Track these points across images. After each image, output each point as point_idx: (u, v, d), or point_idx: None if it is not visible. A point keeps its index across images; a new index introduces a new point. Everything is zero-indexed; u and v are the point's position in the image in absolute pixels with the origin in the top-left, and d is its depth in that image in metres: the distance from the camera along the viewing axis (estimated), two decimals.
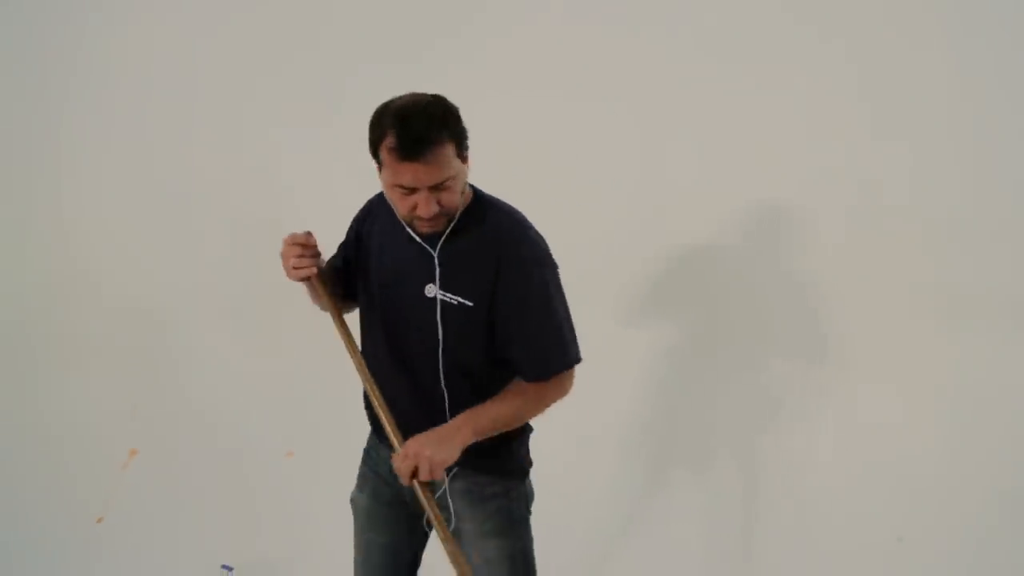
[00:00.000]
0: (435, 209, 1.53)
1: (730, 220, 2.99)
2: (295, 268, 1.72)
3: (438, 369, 1.67)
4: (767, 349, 3.05)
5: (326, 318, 1.78)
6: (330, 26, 3.13)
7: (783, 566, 2.77)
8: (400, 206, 1.57)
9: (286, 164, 3.17)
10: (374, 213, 1.79)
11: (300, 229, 1.77)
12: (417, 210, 1.54)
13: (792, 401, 3.01)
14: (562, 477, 2.85)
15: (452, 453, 1.55)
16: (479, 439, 1.59)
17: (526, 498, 1.84)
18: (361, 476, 1.93)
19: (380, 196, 1.78)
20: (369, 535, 1.89)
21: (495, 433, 1.62)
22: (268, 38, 3.17)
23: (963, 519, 2.72)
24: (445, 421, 1.64)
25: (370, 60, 3.01)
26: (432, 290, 1.64)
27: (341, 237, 1.89)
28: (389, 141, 1.48)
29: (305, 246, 1.73)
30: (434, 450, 1.53)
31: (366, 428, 1.91)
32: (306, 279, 1.74)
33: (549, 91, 2.97)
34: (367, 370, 1.70)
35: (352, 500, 1.94)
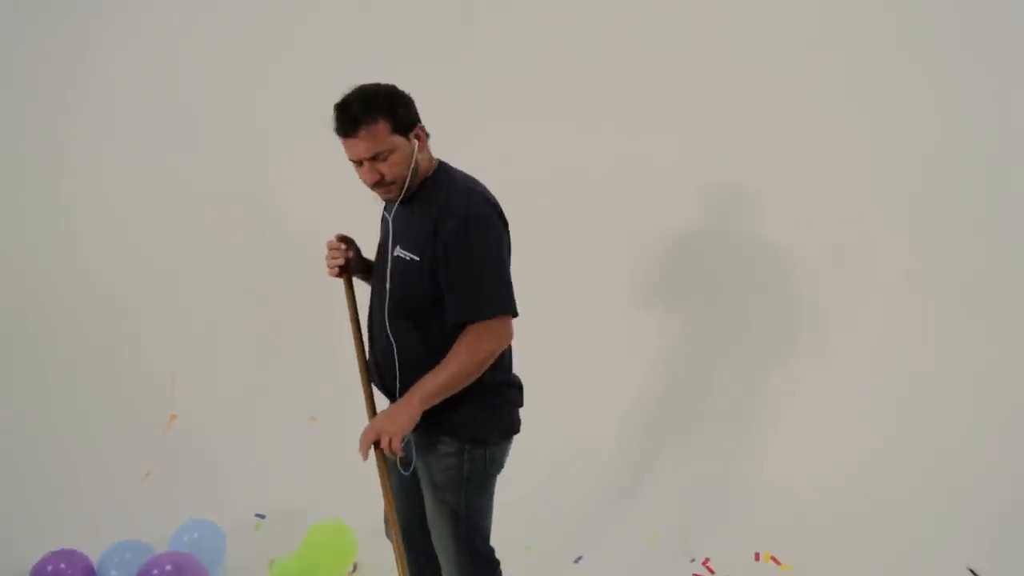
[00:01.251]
0: (376, 177, 1.85)
1: (727, 215, 3.32)
2: (328, 265, 2.11)
3: (384, 317, 1.96)
4: (753, 329, 3.39)
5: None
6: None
7: (766, 526, 3.09)
8: (361, 179, 1.90)
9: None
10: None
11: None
12: (367, 179, 1.87)
13: (776, 376, 3.34)
14: (563, 452, 3.25)
15: (404, 424, 1.81)
16: (428, 406, 1.84)
17: (483, 461, 1.99)
18: None
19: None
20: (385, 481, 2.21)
21: (443, 397, 1.85)
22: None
23: (937, 502, 3.00)
24: (394, 362, 1.94)
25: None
26: (398, 249, 1.94)
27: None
28: (334, 124, 1.83)
29: (334, 248, 2.10)
30: (388, 424, 1.81)
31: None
32: (336, 275, 2.11)
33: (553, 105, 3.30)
34: (361, 351, 2.08)
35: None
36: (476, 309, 1.84)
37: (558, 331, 3.22)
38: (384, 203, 2.01)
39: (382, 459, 1.90)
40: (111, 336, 3.50)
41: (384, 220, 2.06)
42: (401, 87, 1.92)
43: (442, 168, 1.98)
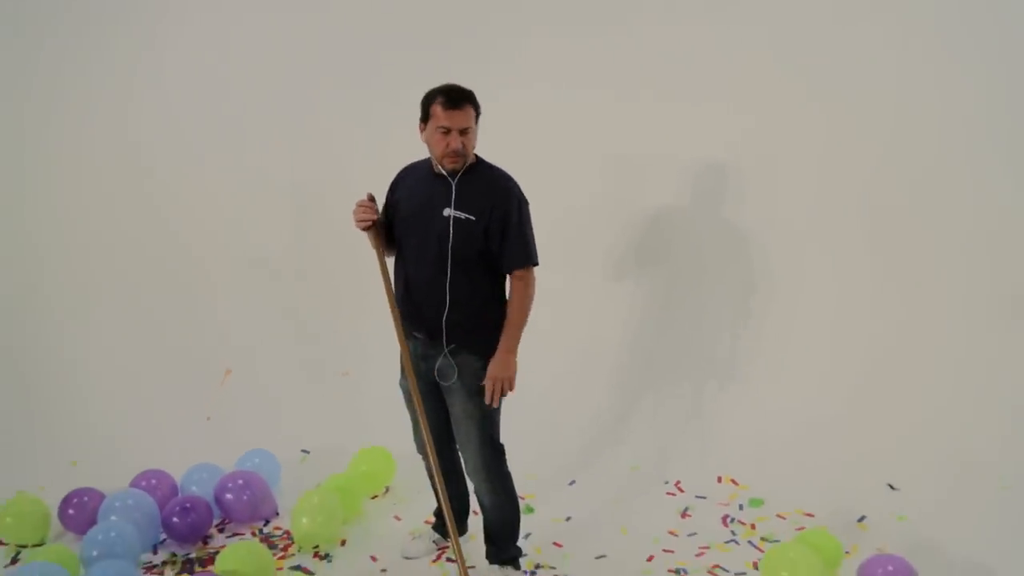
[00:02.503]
0: (458, 147, 2.48)
1: (711, 192, 3.90)
2: (360, 220, 2.66)
3: (447, 263, 2.56)
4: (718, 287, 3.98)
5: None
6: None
7: (728, 457, 3.68)
8: (438, 146, 2.51)
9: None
10: (401, 177, 2.76)
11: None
12: (449, 145, 2.48)
13: (747, 331, 3.91)
14: (561, 395, 3.87)
15: (513, 369, 2.60)
16: (515, 351, 2.60)
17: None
18: (403, 368, 2.86)
19: (404, 169, 2.75)
20: (411, 400, 2.82)
21: (520, 324, 2.60)
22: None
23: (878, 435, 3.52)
24: (446, 301, 2.56)
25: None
26: (448, 211, 2.55)
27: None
28: (440, 99, 2.48)
29: (366, 205, 2.67)
30: (502, 372, 2.57)
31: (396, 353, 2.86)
32: (367, 227, 2.67)
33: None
34: (389, 286, 2.68)
35: (401, 386, 2.90)
36: (527, 259, 2.59)
37: (561, 290, 3.77)
38: (414, 174, 2.67)
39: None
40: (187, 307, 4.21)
41: (418, 187, 2.65)
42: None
43: (479, 158, 2.62)
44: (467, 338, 2.58)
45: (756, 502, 3.43)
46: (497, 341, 2.61)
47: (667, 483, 3.60)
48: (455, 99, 2.47)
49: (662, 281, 4.00)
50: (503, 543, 2.85)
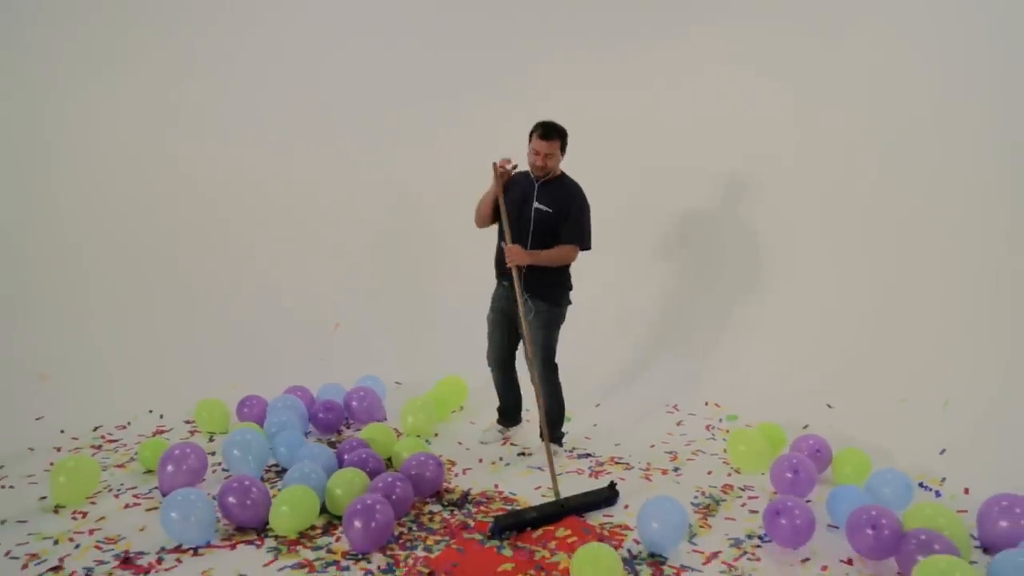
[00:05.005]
0: (541, 164, 3.82)
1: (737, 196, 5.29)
2: (502, 168, 3.88)
3: (529, 237, 3.88)
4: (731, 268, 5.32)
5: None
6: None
7: (717, 389, 4.97)
8: (529, 159, 3.85)
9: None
10: (514, 179, 3.98)
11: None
12: (535, 162, 3.82)
13: (749, 299, 5.25)
14: (601, 342, 5.18)
15: (520, 258, 3.75)
16: (534, 263, 3.80)
17: (559, 317, 4.04)
18: (491, 301, 4.17)
19: (518, 174, 3.98)
20: (491, 327, 4.16)
21: (539, 264, 3.82)
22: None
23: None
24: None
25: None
26: (537, 204, 3.88)
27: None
28: (538, 131, 3.80)
29: (507, 163, 3.90)
30: (516, 254, 3.75)
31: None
32: (501, 175, 3.87)
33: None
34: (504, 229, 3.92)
35: (487, 317, 4.22)
36: (578, 240, 3.91)
37: (606, 270, 5.07)
38: (520, 178, 3.96)
39: (518, 288, 3.82)
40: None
41: (518, 189, 3.94)
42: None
43: (563, 172, 3.97)
44: (539, 290, 3.91)
45: (732, 416, 4.71)
46: (558, 294, 3.99)
47: (668, 405, 4.90)
48: (545, 133, 3.82)
49: (685, 266, 5.43)
50: (552, 428, 4.15)
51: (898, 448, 4.12)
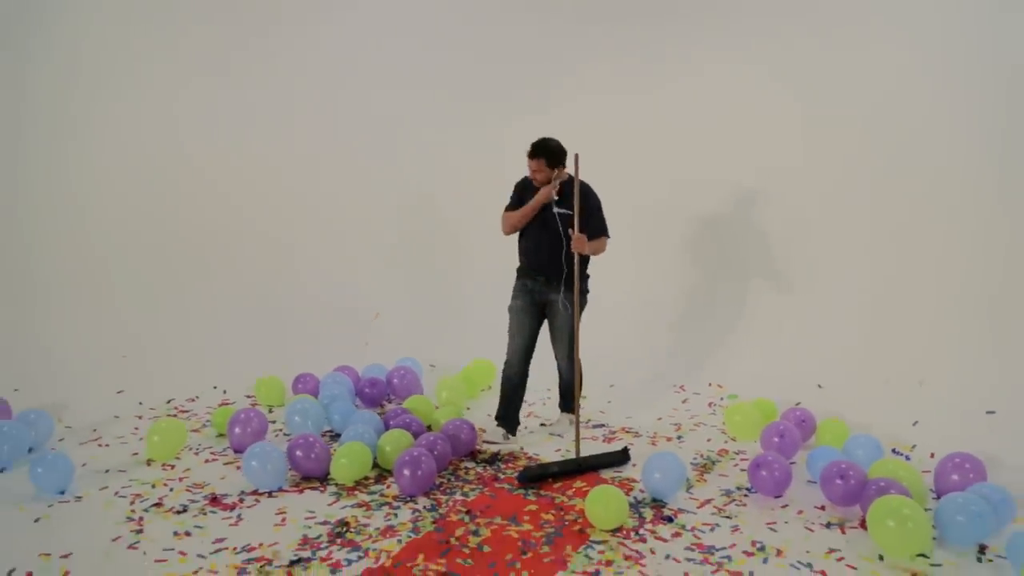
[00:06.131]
0: (534, 178, 4.35)
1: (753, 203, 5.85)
2: (549, 190, 4.37)
3: (559, 238, 4.38)
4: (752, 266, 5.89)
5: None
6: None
7: (720, 370, 5.53)
8: (531, 176, 4.39)
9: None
10: (525, 185, 4.52)
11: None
12: (531, 175, 4.36)
13: (763, 297, 5.81)
14: (623, 330, 5.74)
15: (582, 247, 4.23)
16: (585, 251, 4.29)
17: (582, 306, 4.49)
18: (516, 293, 4.72)
19: (525, 178, 4.51)
20: (520, 316, 4.70)
21: (586, 253, 4.32)
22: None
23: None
24: (561, 261, 4.39)
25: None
26: (556, 209, 4.38)
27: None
28: (528, 151, 4.33)
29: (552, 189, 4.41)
30: (580, 243, 4.23)
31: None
32: (546, 192, 4.38)
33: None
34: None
35: (510, 308, 4.76)
36: (603, 231, 4.42)
37: (633, 267, 5.76)
38: (534, 188, 4.47)
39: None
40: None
41: (533, 196, 4.44)
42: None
43: (571, 175, 4.33)
44: (569, 283, 4.40)
45: (732, 396, 5.26)
46: (587, 284, 4.53)
47: (675, 385, 5.46)
48: (530, 153, 4.33)
49: (704, 265, 6.02)
50: (568, 400, 4.71)
51: (877, 421, 4.65)
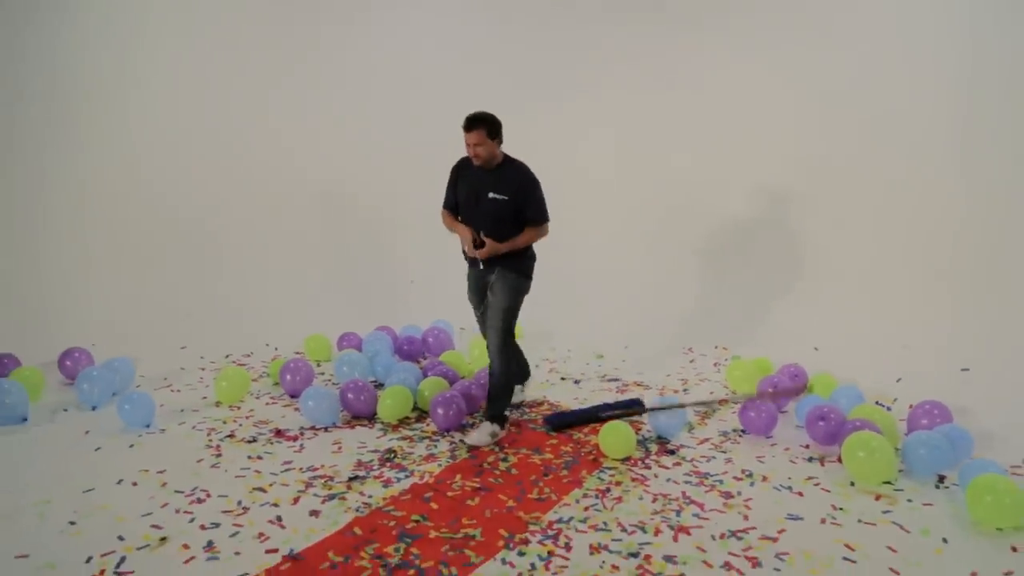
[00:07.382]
0: (473, 154, 4.02)
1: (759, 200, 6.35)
2: (467, 239, 4.39)
3: (495, 223, 4.09)
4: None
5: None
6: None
7: (727, 334, 6.04)
8: (469, 153, 4.06)
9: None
10: (461, 166, 4.27)
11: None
12: (469, 152, 4.04)
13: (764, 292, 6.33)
14: (640, 314, 6.27)
15: (494, 250, 4.04)
16: (506, 251, 4.07)
17: (525, 288, 4.23)
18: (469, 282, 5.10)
19: (461, 160, 4.24)
20: (474, 302, 4.91)
21: (512, 250, 4.10)
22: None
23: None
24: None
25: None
26: (492, 194, 4.08)
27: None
28: (464, 123, 4.01)
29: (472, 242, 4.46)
30: (491, 247, 4.05)
31: None
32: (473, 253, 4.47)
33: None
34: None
35: (468, 298, 5.09)
36: (542, 217, 4.18)
37: (648, 261, 6.29)
38: (469, 166, 4.17)
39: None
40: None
41: (469, 179, 4.16)
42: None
43: (507, 155, 4.15)
44: (509, 262, 4.18)
45: (736, 357, 5.77)
46: (526, 265, 4.25)
47: (684, 348, 5.99)
48: (465, 125, 3.98)
49: (718, 259, 6.53)
50: (493, 403, 4.26)
51: (864, 378, 5.15)
